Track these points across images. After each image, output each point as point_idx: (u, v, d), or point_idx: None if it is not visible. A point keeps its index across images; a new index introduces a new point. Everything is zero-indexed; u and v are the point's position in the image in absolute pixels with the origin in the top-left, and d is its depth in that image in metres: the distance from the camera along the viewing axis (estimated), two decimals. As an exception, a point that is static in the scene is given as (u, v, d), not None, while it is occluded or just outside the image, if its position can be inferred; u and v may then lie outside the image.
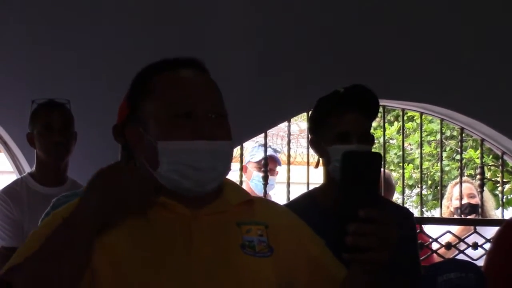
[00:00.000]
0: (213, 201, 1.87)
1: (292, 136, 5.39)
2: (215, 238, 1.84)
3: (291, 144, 5.27)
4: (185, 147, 1.79)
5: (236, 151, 4.89)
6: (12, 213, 3.82)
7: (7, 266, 1.77)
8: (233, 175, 2.99)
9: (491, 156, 9.42)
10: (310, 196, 3.04)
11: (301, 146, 8.42)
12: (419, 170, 6.13)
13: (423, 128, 5.72)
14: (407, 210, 3.41)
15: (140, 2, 4.83)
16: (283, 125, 5.37)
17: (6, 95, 4.55)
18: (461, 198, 5.50)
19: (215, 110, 1.84)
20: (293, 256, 1.88)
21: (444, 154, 9.39)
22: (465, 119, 5.32)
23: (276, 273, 1.84)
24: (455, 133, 9.37)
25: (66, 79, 4.55)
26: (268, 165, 5.12)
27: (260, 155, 5.42)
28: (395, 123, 9.94)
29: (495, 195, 8.23)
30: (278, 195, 5.75)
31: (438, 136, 7.60)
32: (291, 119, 5.20)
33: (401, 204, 4.57)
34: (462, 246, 5.25)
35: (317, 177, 4.76)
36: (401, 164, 5.94)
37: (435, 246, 5.25)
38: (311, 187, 3.33)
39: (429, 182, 10.15)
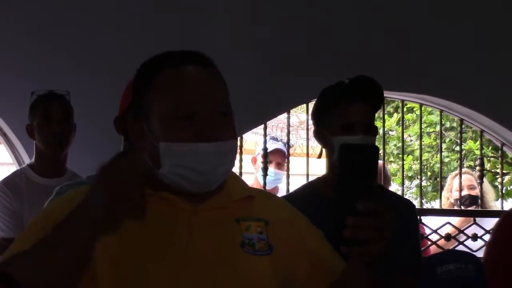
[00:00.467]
0: (214, 195, 1.86)
1: (291, 127, 5.40)
2: (214, 234, 1.83)
3: (290, 135, 5.27)
4: (188, 149, 1.77)
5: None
6: (12, 204, 3.82)
7: (6, 254, 1.76)
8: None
9: (490, 147, 9.42)
10: (311, 187, 3.03)
11: (300, 138, 8.43)
12: (418, 161, 6.12)
13: (422, 120, 5.71)
14: (409, 201, 3.40)
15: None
16: (283, 117, 5.35)
17: (6, 86, 4.54)
18: (461, 190, 5.50)
19: (220, 109, 1.81)
20: (292, 251, 1.88)
21: (444, 146, 9.39)
22: (465, 110, 5.32)
23: (275, 271, 1.84)
24: (454, 124, 9.37)
25: (65, 71, 4.54)
26: (268, 156, 5.12)
27: (271, 148, 5.39)
28: (395, 114, 9.94)
29: (495, 187, 8.23)
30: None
31: (438, 128, 7.60)
32: (291, 111, 5.20)
33: (401, 195, 4.57)
34: (462, 238, 5.25)
35: (317, 169, 4.77)
36: (400, 156, 5.95)
37: (434, 237, 5.25)
38: (311, 179, 3.33)
39: (429, 173, 10.15)
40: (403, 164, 5.76)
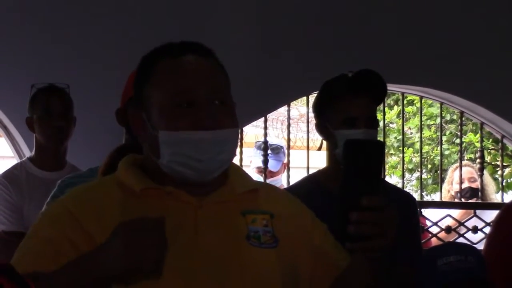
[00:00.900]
0: (218, 188, 1.85)
1: (292, 120, 5.38)
2: (220, 228, 1.82)
3: (291, 128, 5.26)
4: (187, 137, 1.77)
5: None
6: (12, 197, 3.82)
7: (16, 260, 1.74)
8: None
9: (491, 140, 9.40)
10: (313, 179, 3.03)
11: (301, 131, 8.39)
12: (419, 154, 6.13)
13: (423, 112, 5.71)
14: (409, 194, 3.41)
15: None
16: (283, 110, 5.35)
17: (6, 80, 4.54)
18: (461, 182, 5.50)
19: (218, 96, 1.81)
20: (297, 245, 1.87)
21: (444, 138, 9.38)
22: (465, 103, 5.31)
23: (282, 264, 1.83)
24: (455, 117, 9.35)
25: (65, 64, 4.53)
26: (267, 149, 5.12)
27: (258, 161, 5.38)
28: (395, 107, 9.92)
29: (495, 179, 8.22)
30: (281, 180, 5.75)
31: (438, 120, 7.60)
32: (291, 104, 5.20)
33: (401, 188, 4.57)
34: (462, 230, 5.25)
35: (317, 161, 4.77)
36: (401, 148, 5.94)
37: (435, 229, 5.25)
38: (311, 171, 3.33)
39: (429, 166, 10.14)
40: (403, 157, 5.76)
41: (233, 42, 4.71)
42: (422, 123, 5.75)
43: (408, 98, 8.98)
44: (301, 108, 7.65)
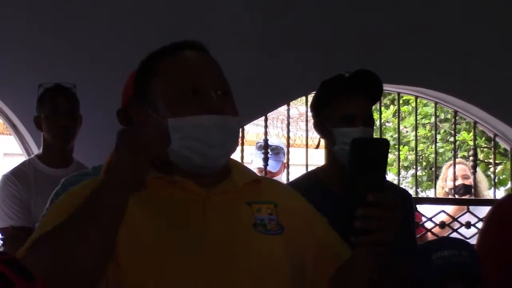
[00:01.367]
0: (223, 180, 1.87)
1: (291, 119, 5.38)
2: (227, 217, 1.84)
3: (290, 127, 5.26)
4: (196, 122, 1.78)
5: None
6: (20, 194, 3.82)
7: (31, 240, 1.75)
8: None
9: (483, 138, 9.39)
10: (312, 176, 3.03)
11: (300, 129, 8.39)
12: (414, 152, 6.13)
13: (418, 111, 5.72)
14: (406, 191, 3.42)
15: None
16: (283, 109, 5.34)
17: (15, 80, 4.53)
18: (455, 179, 5.50)
19: (220, 86, 1.84)
20: (301, 235, 1.88)
21: (438, 137, 9.37)
22: (459, 102, 5.31)
23: (288, 251, 1.84)
24: (449, 116, 9.34)
25: (72, 65, 4.53)
26: (268, 151, 5.12)
27: (258, 161, 5.38)
28: (391, 106, 9.89)
29: (488, 176, 8.22)
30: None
31: (433, 119, 7.58)
32: (291, 103, 5.19)
33: (397, 185, 4.56)
34: (456, 225, 5.25)
35: (316, 159, 4.76)
36: (396, 146, 5.92)
37: (429, 225, 5.25)
38: (310, 168, 3.32)
39: (424, 163, 10.13)
40: (399, 155, 5.75)
41: (234, 43, 4.70)
42: (417, 122, 5.76)
43: (404, 98, 8.97)
44: (301, 108, 7.64)
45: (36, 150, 4.40)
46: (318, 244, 1.90)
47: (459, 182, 5.70)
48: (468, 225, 5.16)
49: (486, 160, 9.59)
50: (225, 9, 4.83)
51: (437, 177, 5.92)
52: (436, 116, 5.69)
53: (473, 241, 3.48)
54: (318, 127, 2.97)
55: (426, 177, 10.06)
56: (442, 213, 5.26)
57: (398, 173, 5.57)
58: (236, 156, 4.68)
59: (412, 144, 8.61)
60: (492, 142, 5.67)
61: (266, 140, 5.09)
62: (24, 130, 4.64)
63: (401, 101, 5.96)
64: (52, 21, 4.62)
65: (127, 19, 4.71)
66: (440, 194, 5.86)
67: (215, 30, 4.63)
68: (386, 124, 10.12)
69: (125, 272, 1.75)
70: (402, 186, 8.29)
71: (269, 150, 5.16)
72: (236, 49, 4.65)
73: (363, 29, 5.02)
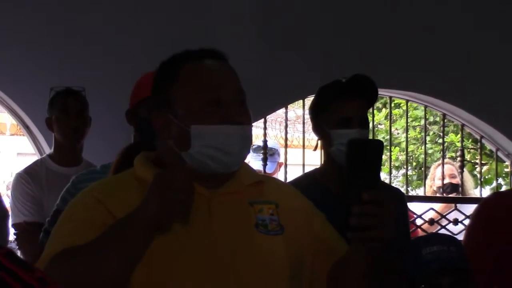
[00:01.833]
0: (227, 181, 1.86)
1: (289, 121, 5.37)
2: (231, 217, 1.83)
3: (288, 128, 5.26)
4: (217, 131, 1.78)
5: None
6: (33, 191, 3.82)
7: (52, 251, 1.73)
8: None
9: (470, 140, 9.38)
10: (310, 176, 3.02)
11: (297, 131, 8.38)
12: (405, 152, 6.11)
13: (408, 114, 5.70)
14: (398, 190, 3.42)
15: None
16: (281, 112, 5.34)
17: (28, 83, 4.53)
18: (443, 178, 5.50)
19: (239, 97, 1.84)
20: (301, 233, 1.88)
21: (428, 138, 9.36)
22: (447, 106, 5.30)
23: (288, 250, 1.84)
24: (437, 118, 9.32)
25: (81, 69, 4.52)
26: (267, 147, 5.11)
27: (255, 163, 5.36)
28: (383, 109, 9.89)
29: (474, 176, 8.21)
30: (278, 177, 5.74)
31: (422, 122, 7.57)
32: (289, 106, 5.18)
33: (389, 184, 4.56)
34: (444, 222, 5.24)
35: (312, 159, 4.75)
36: (388, 147, 5.91)
37: (419, 221, 5.24)
38: (306, 168, 3.32)
39: (414, 163, 10.12)
40: (390, 155, 5.74)
41: (234, 49, 4.67)
42: (408, 124, 5.75)
43: (395, 102, 8.95)
44: (298, 110, 7.64)
45: (47, 150, 4.39)
46: (316, 239, 1.89)
47: (446, 181, 5.70)
48: (455, 222, 5.16)
49: (472, 161, 9.58)
50: (225, 14, 4.82)
51: (426, 177, 5.92)
52: (425, 119, 5.69)
53: (461, 237, 3.47)
54: (316, 129, 2.97)
55: (416, 176, 10.04)
56: (431, 210, 5.25)
57: (390, 173, 5.56)
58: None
59: (403, 145, 8.58)
60: (479, 144, 5.66)
61: (265, 141, 5.09)
62: (37, 131, 4.64)
63: (392, 105, 5.94)
64: (64, 27, 4.61)
65: (132, 27, 4.70)
66: (429, 192, 5.86)
67: (216, 35, 4.61)
68: (378, 126, 10.11)
69: (133, 272, 1.73)
70: (393, 185, 8.28)
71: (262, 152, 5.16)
72: (236, 55, 4.63)
73: (357, 38, 5.01)
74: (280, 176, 5.40)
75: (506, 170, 6.76)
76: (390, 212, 1.74)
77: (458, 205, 5.29)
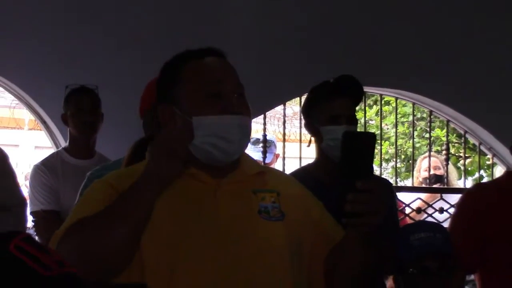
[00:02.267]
0: (232, 171, 1.86)
1: (287, 117, 5.37)
2: (236, 204, 1.84)
3: (286, 124, 5.26)
4: (218, 121, 1.78)
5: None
6: (49, 181, 3.82)
7: (64, 227, 1.74)
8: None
9: (455, 135, 9.35)
10: (305, 170, 3.03)
11: (294, 126, 8.36)
12: (394, 146, 6.11)
13: (397, 111, 5.70)
14: (386, 180, 3.42)
15: None
16: (279, 108, 5.34)
17: (45, 82, 4.53)
18: (429, 170, 5.50)
19: (238, 90, 1.84)
20: (300, 220, 1.88)
21: (415, 133, 9.34)
22: (433, 103, 5.30)
23: (288, 235, 1.84)
24: (424, 115, 9.31)
25: (95, 68, 4.52)
26: (266, 141, 5.11)
27: (254, 155, 5.36)
28: (374, 106, 9.88)
29: (458, 168, 8.20)
30: (275, 167, 5.73)
31: (410, 118, 7.57)
32: (286, 103, 5.18)
33: (379, 175, 4.56)
34: (430, 211, 5.24)
35: (308, 152, 4.75)
36: (378, 141, 5.91)
37: (407, 210, 5.24)
38: (303, 161, 3.32)
39: (403, 156, 10.11)
40: (381, 149, 5.76)
41: (237, 51, 4.68)
42: (397, 120, 5.75)
43: (385, 99, 8.93)
44: (295, 107, 7.63)
45: (63, 143, 4.39)
46: (315, 225, 1.90)
47: (431, 172, 5.70)
48: (441, 210, 5.16)
49: (457, 154, 9.56)
50: (225, 17, 4.81)
51: (414, 169, 5.92)
52: (413, 115, 5.69)
53: (446, 224, 3.48)
54: (308, 126, 2.98)
55: (404, 168, 10.03)
56: (418, 200, 5.26)
57: (380, 165, 5.57)
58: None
59: (392, 139, 8.59)
60: (463, 138, 5.66)
61: (265, 136, 5.09)
62: (53, 125, 4.64)
63: (383, 102, 5.94)
64: (78, 30, 4.60)
65: (141, 28, 4.69)
66: (416, 183, 5.86)
67: (222, 37, 4.60)
68: (370, 122, 10.10)
69: (145, 253, 1.74)
70: (383, 176, 8.28)
71: (261, 145, 5.16)
72: (238, 56, 4.62)
73: (349, 40, 5.01)
74: (277, 166, 5.39)
75: (488, 162, 6.75)
76: (381, 200, 1.74)
77: (444, 195, 5.29)
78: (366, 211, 1.72)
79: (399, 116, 9.15)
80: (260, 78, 4.74)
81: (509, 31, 5.25)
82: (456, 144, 9.55)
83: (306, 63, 4.86)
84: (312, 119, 2.93)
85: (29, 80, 4.58)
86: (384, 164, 9.90)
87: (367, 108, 8.46)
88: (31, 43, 4.51)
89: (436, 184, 5.73)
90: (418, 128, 9.79)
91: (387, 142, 9.87)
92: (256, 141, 5.25)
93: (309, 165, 3.06)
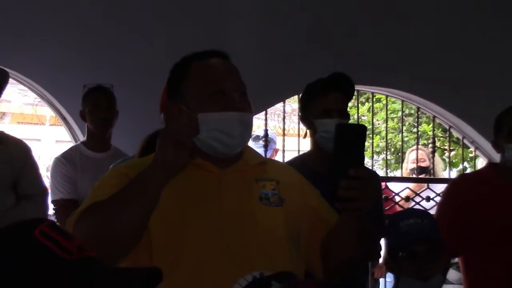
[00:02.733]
0: (235, 162, 1.87)
1: (286, 114, 5.37)
2: (238, 192, 1.84)
3: (285, 120, 5.26)
4: (221, 117, 1.78)
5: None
6: (69, 172, 3.83)
7: (80, 210, 1.74)
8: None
9: (440, 129, 9.34)
10: (301, 159, 3.03)
11: (293, 122, 8.37)
12: (384, 140, 6.11)
13: (388, 108, 5.69)
14: (374, 171, 3.41)
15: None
16: (279, 105, 5.34)
17: (65, 81, 4.53)
18: (417, 162, 5.50)
19: (240, 88, 1.84)
20: (299, 207, 1.89)
21: (404, 128, 9.30)
22: (421, 100, 5.30)
23: (287, 220, 1.85)
24: (412, 111, 9.29)
25: (112, 67, 4.51)
26: (267, 136, 5.10)
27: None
28: (366, 103, 9.87)
29: (443, 160, 8.19)
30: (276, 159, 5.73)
31: (400, 114, 7.56)
32: (286, 100, 5.18)
33: (369, 167, 4.56)
34: (418, 199, 5.24)
35: (306, 146, 4.75)
36: (370, 135, 5.90)
37: (397, 199, 5.24)
38: (301, 153, 3.31)
39: (392, 149, 10.11)
40: (372, 142, 5.75)
41: (237, 50, 4.66)
42: (387, 116, 5.74)
43: (376, 97, 8.92)
44: (293, 104, 7.63)
45: (81, 138, 4.39)
46: (312, 212, 1.91)
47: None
48: (428, 199, 5.16)
49: (442, 147, 9.56)
50: (225, 18, 4.79)
51: (403, 160, 5.92)
52: (402, 111, 5.67)
53: (433, 212, 3.48)
54: (303, 120, 2.99)
55: (394, 160, 10.03)
56: (407, 189, 5.25)
57: (372, 157, 5.57)
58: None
59: (383, 134, 8.57)
60: (447, 132, 5.65)
61: (266, 130, 5.09)
62: (72, 121, 4.64)
63: (374, 99, 5.93)
64: (96, 33, 4.59)
65: (151, 32, 4.68)
66: (404, 174, 5.86)
67: (219, 37, 4.59)
68: (362, 118, 10.08)
69: (153, 237, 1.74)
70: (374, 168, 8.27)
71: (261, 141, 5.15)
72: (240, 57, 4.61)
73: (345, 42, 5.00)
74: (277, 159, 5.38)
75: (470, 155, 6.75)
76: (371, 186, 1.75)
77: (430, 185, 5.28)
78: (358, 197, 1.72)
79: (389, 112, 9.17)
80: (261, 77, 4.74)
81: (491, 30, 5.23)
82: (441, 138, 9.55)
83: (304, 63, 4.84)
84: (307, 113, 2.94)
85: (50, 80, 4.58)
86: (375, 156, 9.90)
87: (359, 105, 8.46)
88: (52, 46, 4.50)
89: (422, 175, 5.73)
90: (407, 123, 9.77)
91: (378, 136, 9.86)
92: (257, 138, 5.24)
93: (303, 155, 3.06)
